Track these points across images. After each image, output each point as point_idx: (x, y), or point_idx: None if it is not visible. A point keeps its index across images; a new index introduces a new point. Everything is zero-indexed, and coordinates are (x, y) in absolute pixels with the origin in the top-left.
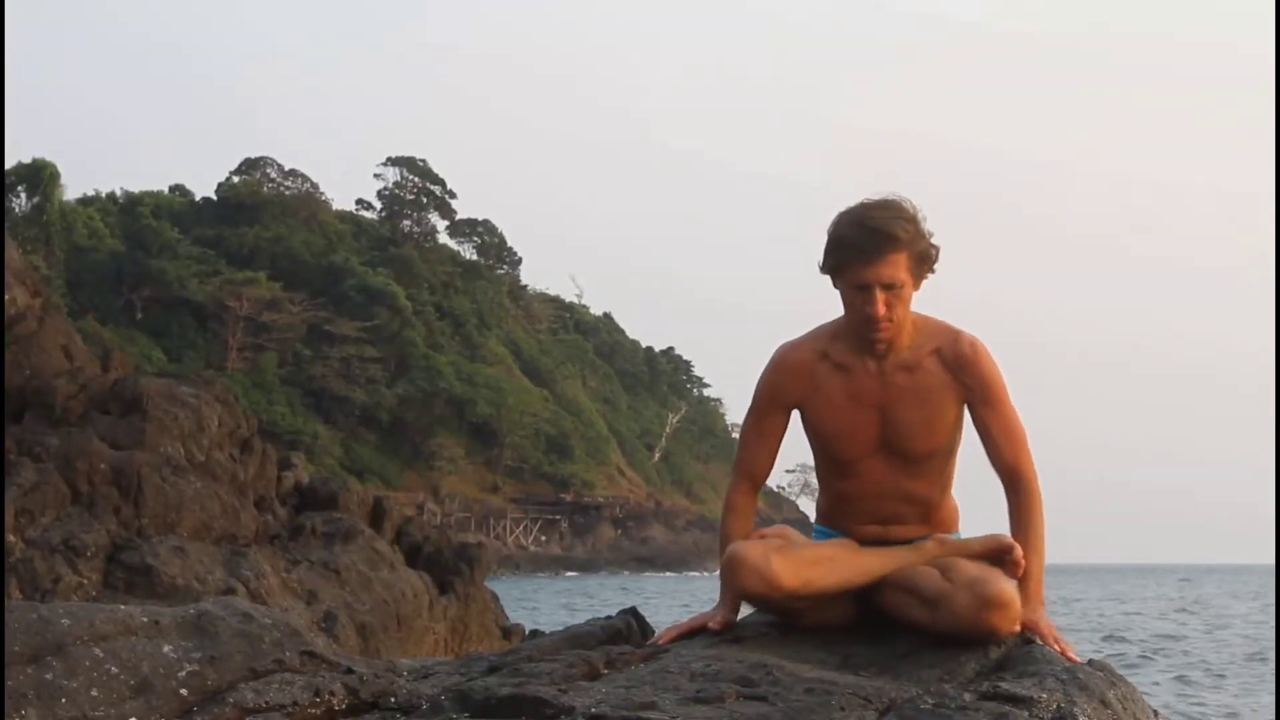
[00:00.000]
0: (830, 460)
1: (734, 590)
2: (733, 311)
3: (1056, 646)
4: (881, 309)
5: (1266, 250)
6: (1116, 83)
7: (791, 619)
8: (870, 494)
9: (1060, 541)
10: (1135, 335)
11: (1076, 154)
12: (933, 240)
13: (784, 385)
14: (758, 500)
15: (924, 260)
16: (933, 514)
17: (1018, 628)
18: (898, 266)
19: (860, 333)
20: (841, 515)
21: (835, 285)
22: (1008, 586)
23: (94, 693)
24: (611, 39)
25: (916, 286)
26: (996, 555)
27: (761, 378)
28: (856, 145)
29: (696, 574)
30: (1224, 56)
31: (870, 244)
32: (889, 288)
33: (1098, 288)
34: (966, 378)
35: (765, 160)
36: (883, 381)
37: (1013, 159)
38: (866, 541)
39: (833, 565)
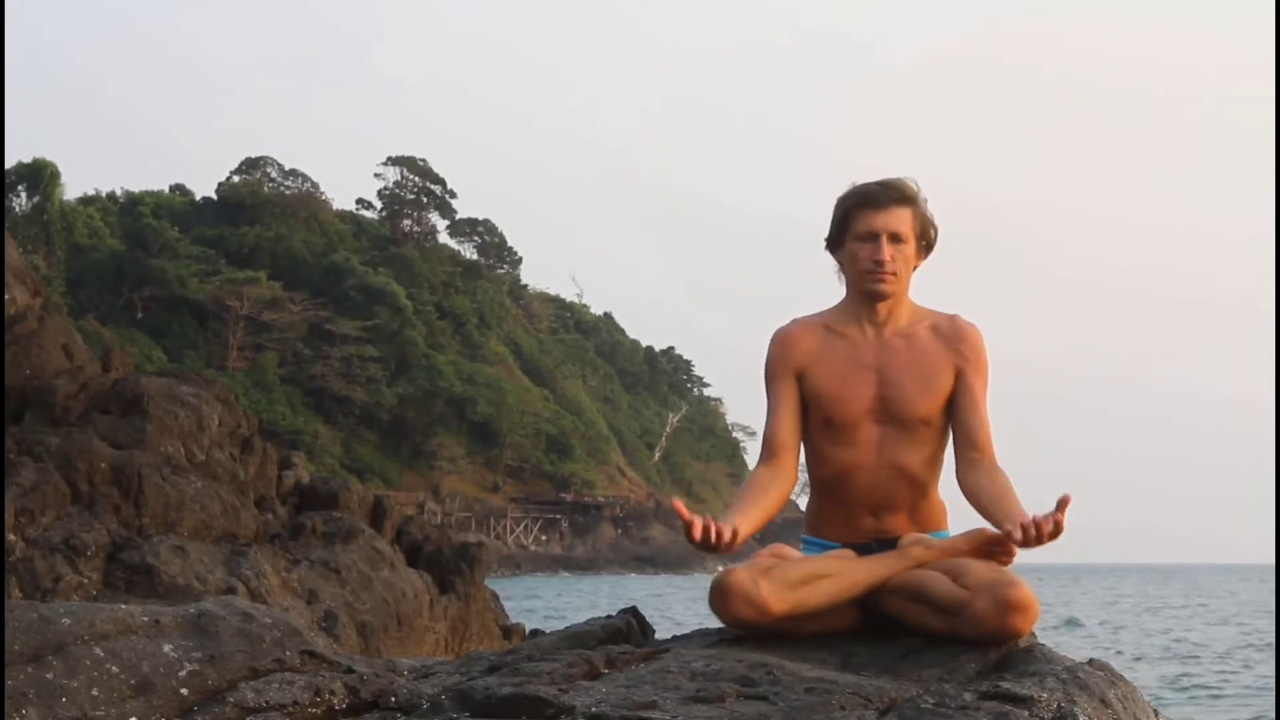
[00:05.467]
0: (829, 428)
1: (724, 618)
2: (733, 310)
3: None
4: (887, 254)
5: (1246, 286)
6: (1102, 128)
7: (789, 633)
8: (867, 465)
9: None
10: (1107, 372)
11: (1056, 194)
12: (934, 223)
13: (787, 354)
14: (785, 466)
15: (926, 231)
16: (923, 503)
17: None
18: (904, 220)
19: (862, 285)
20: (836, 507)
21: (838, 258)
22: (1027, 588)
23: (94, 692)
24: (613, 44)
25: (917, 261)
26: (985, 550)
27: (766, 356)
28: (838, 179)
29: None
30: (1206, 105)
31: (880, 193)
32: (895, 239)
33: (1077, 327)
34: (962, 346)
35: (764, 199)
36: (880, 346)
37: (991, 199)
38: (861, 541)
39: (822, 584)
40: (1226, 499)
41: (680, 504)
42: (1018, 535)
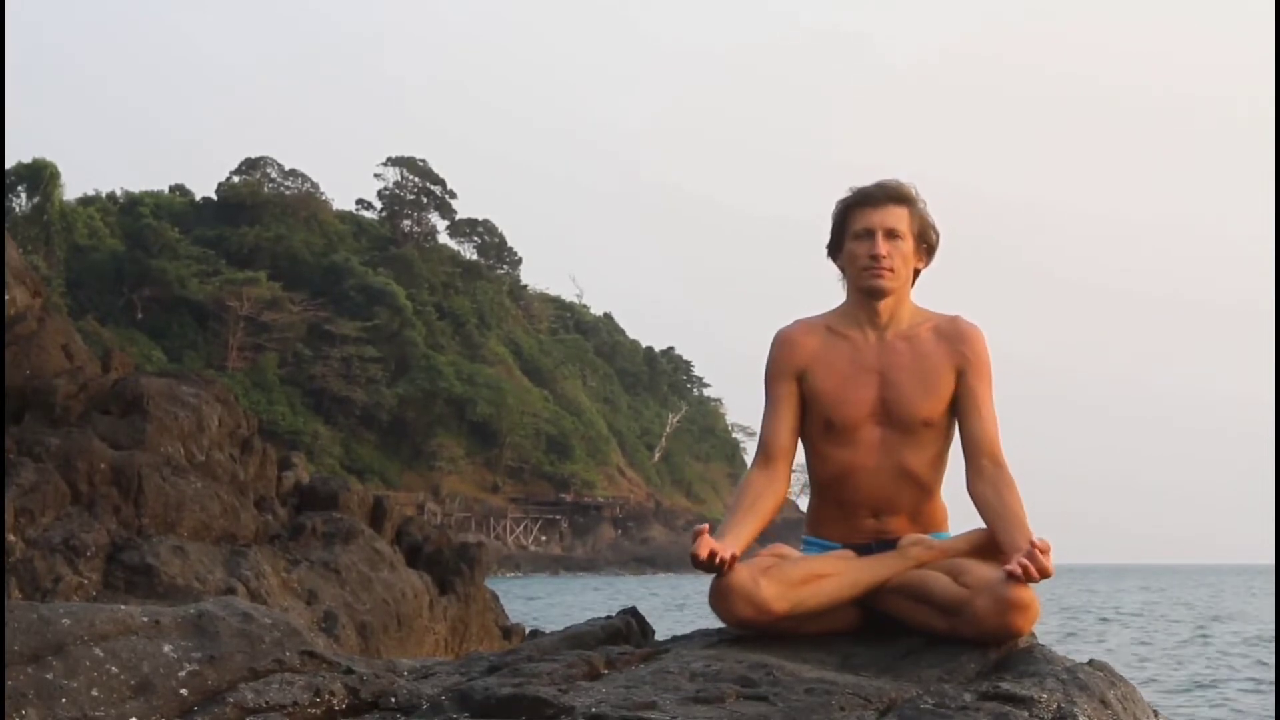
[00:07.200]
0: (830, 430)
1: (724, 617)
2: (733, 310)
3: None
4: (883, 249)
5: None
6: (1102, 128)
7: (789, 633)
8: (868, 467)
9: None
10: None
11: (1056, 194)
12: (935, 226)
13: (788, 356)
14: (779, 473)
15: (924, 233)
16: (924, 505)
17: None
18: (900, 218)
19: (860, 282)
20: (836, 508)
21: (838, 263)
22: (1027, 588)
23: (94, 693)
24: (613, 44)
25: (918, 262)
26: (985, 551)
27: (768, 356)
28: (838, 179)
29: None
30: (1206, 105)
31: (877, 192)
32: (891, 235)
33: (1076, 325)
34: (963, 347)
35: (763, 196)
36: (882, 348)
37: (991, 199)
38: (861, 541)
39: (822, 583)
40: (1226, 499)
41: (705, 529)
42: (1017, 572)
